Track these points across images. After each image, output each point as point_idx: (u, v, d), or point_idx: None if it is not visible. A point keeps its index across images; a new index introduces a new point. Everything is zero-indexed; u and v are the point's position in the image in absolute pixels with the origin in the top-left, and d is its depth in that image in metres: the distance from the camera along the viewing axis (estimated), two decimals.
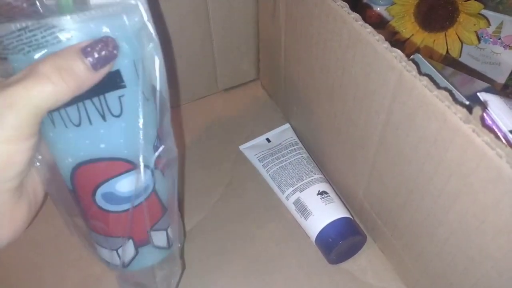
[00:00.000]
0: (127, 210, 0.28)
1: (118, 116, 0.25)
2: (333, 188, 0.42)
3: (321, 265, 0.39)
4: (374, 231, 0.39)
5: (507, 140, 0.26)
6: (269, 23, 0.45)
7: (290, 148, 0.45)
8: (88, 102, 0.24)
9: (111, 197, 0.27)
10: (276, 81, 0.49)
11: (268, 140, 0.47)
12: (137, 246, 0.30)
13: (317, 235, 0.38)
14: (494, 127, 0.26)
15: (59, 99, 0.22)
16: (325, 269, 0.38)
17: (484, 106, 0.26)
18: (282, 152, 0.44)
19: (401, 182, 0.30)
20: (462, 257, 0.27)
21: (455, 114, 0.22)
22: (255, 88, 0.56)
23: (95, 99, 0.24)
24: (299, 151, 0.44)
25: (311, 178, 0.41)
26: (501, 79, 0.50)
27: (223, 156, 0.47)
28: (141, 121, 0.26)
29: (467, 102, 0.27)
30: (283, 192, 0.41)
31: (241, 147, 0.47)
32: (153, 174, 0.29)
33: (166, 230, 0.32)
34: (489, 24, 0.47)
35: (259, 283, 0.38)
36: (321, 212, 0.38)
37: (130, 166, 0.27)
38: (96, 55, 0.22)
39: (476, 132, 0.21)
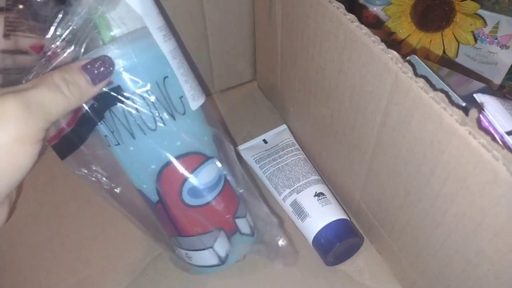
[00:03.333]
0: (211, 201, 0.32)
1: (183, 114, 0.29)
2: (330, 190, 0.41)
3: (318, 266, 0.38)
4: (371, 233, 0.39)
5: (504, 142, 0.25)
6: (265, 24, 0.44)
7: (287, 149, 0.44)
8: (158, 105, 0.28)
9: (195, 192, 0.31)
10: (273, 82, 0.49)
11: (265, 141, 0.47)
12: (228, 236, 0.34)
13: (314, 237, 0.38)
14: (490, 128, 0.26)
15: (66, 108, 0.24)
16: (322, 271, 0.38)
17: (480, 107, 0.26)
18: (279, 153, 0.44)
19: (398, 184, 0.30)
20: (459, 259, 0.27)
21: (451, 116, 0.22)
22: (251, 89, 0.56)
23: (163, 102, 0.28)
24: (295, 153, 0.44)
25: (308, 179, 0.41)
26: (498, 79, 0.50)
27: None
28: (201, 117, 0.31)
29: (464, 104, 0.27)
30: (279, 193, 0.41)
31: (238, 148, 0.47)
32: (221, 163, 0.32)
33: (246, 217, 0.35)
34: (485, 24, 0.47)
35: (255, 284, 0.38)
36: (318, 214, 0.38)
37: (203, 158, 0.31)
38: (95, 72, 0.25)
39: (473, 134, 0.21)
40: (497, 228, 0.23)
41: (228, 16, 0.47)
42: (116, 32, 0.27)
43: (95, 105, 0.27)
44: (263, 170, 0.43)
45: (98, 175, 0.31)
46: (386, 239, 0.36)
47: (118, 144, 0.29)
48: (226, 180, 0.33)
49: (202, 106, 0.32)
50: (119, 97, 0.27)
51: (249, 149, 0.46)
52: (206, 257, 0.34)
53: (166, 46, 0.29)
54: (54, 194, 0.44)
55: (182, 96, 0.30)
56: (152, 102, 0.28)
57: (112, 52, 0.26)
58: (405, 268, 0.35)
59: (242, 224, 0.35)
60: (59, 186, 0.45)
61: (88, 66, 0.25)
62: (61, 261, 0.39)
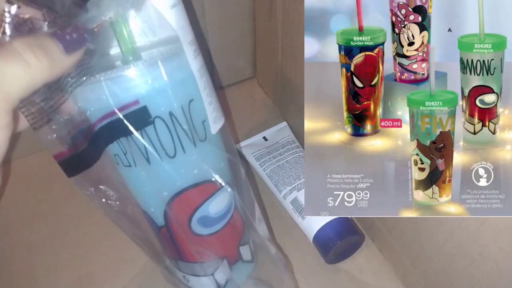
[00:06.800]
0: (219, 230, 0.30)
1: (203, 141, 0.27)
2: None
3: (318, 264, 0.38)
4: (372, 231, 0.39)
5: None
6: (266, 20, 0.44)
7: (287, 147, 0.44)
8: (181, 131, 0.25)
9: (205, 221, 0.29)
10: (273, 79, 0.49)
11: (265, 138, 0.47)
12: (230, 264, 0.32)
13: (315, 235, 0.37)
14: None
15: (33, 80, 0.19)
16: (322, 269, 0.38)
17: None
18: (279, 151, 0.44)
19: None
20: (462, 257, 0.27)
21: None
22: (251, 86, 0.55)
23: (186, 128, 0.25)
24: (296, 150, 0.44)
25: None
26: None
27: None
28: (219, 142, 0.28)
29: None
30: (280, 191, 0.41)
31: (238, 146, 0.47)
32: (233, 190, 0.30)
33: (249, 243, 0.33)
34: None
35: None
36: None
37: (217, 186, 0.28)
38: (67, 37, 0.21)
39: None
40: (501, 227, 0.22)
41: (228, 12, 0.47)
42: (143, 43, 0.24)
43: (113, 125, 0.24)
44: (263, 167, 0.43)
45: (107, 195, 0.28)
46: (388, 237, 0.36)
47: (130, 166, 0.26)
48: (235, 207, 0.31)
49: (220, 129, 0.29)
50: (143, 119, 0.24)
51: (249, 147, 0.46)
52: (204, 284, 0.32)
53: (195, 63, 0.25)
54: (53, 191, 0.44)
55: (204, 120, 0.27)
56: (175, 128, 0.25)
57: (140, 69, 0.23)
58: (407, 267, 0.35)
59: (245, 251, 0.33)
60: (58, 183, 0.44)
61: (59, 32, 0.21)
62: (60, 259, 0.39)
